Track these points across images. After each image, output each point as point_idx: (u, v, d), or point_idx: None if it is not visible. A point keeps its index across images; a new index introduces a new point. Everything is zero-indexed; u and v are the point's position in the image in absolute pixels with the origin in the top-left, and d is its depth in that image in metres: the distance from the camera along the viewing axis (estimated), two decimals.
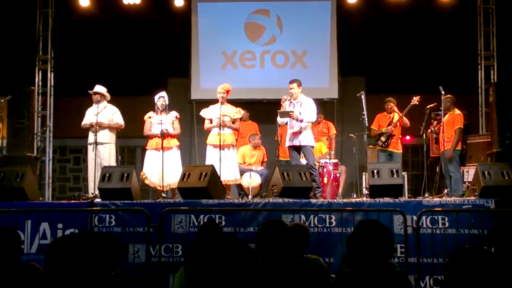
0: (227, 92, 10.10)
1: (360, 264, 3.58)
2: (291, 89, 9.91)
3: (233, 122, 10.08)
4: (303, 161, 10.01)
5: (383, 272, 3.54)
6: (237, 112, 10.15)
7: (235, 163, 10.17)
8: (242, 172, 10.50)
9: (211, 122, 10.08)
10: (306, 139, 9.81)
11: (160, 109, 10.06)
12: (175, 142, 10.10)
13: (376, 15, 13.21)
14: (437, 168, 10.66)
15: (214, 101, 10.18)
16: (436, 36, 13.28)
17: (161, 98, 10.12)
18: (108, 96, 10.39)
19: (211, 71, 13.36)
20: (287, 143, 9.95)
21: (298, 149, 9.88)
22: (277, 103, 12.74)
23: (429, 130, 10.79)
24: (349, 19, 13.27)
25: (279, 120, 9.98)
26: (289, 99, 9.90)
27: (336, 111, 12.96)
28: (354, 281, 3.51)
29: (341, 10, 13.29)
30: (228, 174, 9.89)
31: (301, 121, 9.73)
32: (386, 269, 3.60)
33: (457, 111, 10.57)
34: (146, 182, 10.02)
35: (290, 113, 9.70)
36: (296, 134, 9.76)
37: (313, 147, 10.03)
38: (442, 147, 10.34)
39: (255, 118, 12.31)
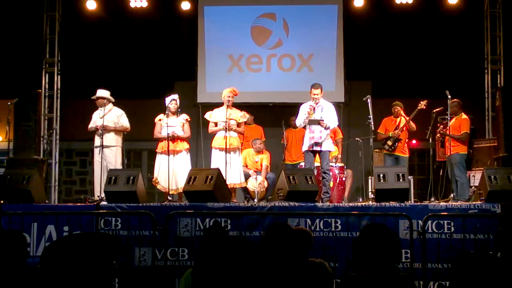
0: (236, 94, 10.10)
1: (366, 268, 3.57)
2: (315, 94, 9.73)
3: (238, 126, 10.08)
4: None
5: (389, 277, 3.52)
6: (243, 116, 10.14)
7: (241, 166, 10.17)
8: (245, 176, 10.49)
9: (216, 125, 10.07)
10: (327, 145, 9.73)
11: (173, 111, 10.06)
12: (184, 145, 10.08)
13: (382, 19, 13.22)
14: (440, 171, 10.63)
15: (221, 105, 10.17)
16: (443, 40, 13.26)
17: (174, 101, 10.09)
18: (111, 98, 10.38)
19: (217, 74, 13.37)
20: (305, 147, 9.84)
21: (314, 152, 9.84)
22: (283, 107, 12.80)
23: (437, 135, 10.76)
24: (355, 23, 13.27)
25: (298, 123, 9.88)
26: (313, 106, 9.75)
27: (342, 115, 12.93)
28: (360, 285, 3.49)
29: (348, 13, 13.28)
30: (234, 178, 9.88)
31: (328, 128, 9.69)
32: (392, 274, 3.58)
33: (464, 116, 10.54)
34: (158, 187, 10.00)
35: (320, 122, 9.60)
36: (317, 139, 9.66)
37: (330, 152, 9.99)
38: (448, 151, 10.32)
39: (261, 122, 12.29)
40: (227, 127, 9.84)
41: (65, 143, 13.42)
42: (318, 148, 9.68)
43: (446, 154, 10.58)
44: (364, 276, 3.53)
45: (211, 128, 10.17)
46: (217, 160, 9.90)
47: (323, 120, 9.60)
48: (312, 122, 9.67)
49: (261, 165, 11.28)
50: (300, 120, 9.84)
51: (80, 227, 7.81)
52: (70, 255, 2.50)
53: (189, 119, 10.24)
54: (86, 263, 2.49)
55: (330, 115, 9.78)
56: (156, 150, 10.15)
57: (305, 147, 9.85)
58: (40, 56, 12.87)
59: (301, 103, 10.10)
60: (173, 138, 9.87)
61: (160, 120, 10.09)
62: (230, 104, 10.03)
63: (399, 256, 3.74)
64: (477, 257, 2.84)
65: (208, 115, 10.23)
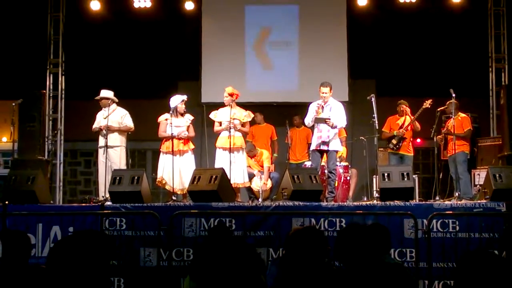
0: (231, 95, 10.05)
1: (354, 264, 3.57)
2: (324, 93, 9.64)
3: (243, 125, 10.06)
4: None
5: (375, 268, 3.47)
6: (247, 115, 10.13)
7: (245, 166, 10.16)
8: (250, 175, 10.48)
9: (221, 125, 10.07)
10: (334, 144, 9.68)
11: (182, 112, 10.05)
12: (190, 145, 10.09)
13: (386, 17, 13.21)
14: (441, 171, 10.62)
15: (225, 104, 10.18)
16: (447, 39, 13.24)
17: (183, 101, 10.10)
18: (115, 99, 10.37)
19: (221, 74, 13.33)
20: (313, 146, 9.80)
21: (322, 152, 9.81)
22: (287, 106, 12.77)
23: (439, 136, 10.75)
24: (359, 22, 13.25)
25: (307, 121, 9.83)
26: (321, 104, 9.69)
27: (346, 114, 12.91)
28: (345, 278, 3.46)
29: (352, 12, 13.26)
30: (238, 177, 9.88)
31: (335, 127, 9.64)
32: (378, 266, 3.53)
33: (462, 115, 10.60)
34: (167, 187, 9.94)
35: (326, 120, 9.51)
36: (325, 138, 9.61)
37: (337, 151, 9.96)
38: (452, 150, 10.31)
39: (265, 121, 12.25)
40: (231, 126, 9.83)
41: (69, 144, 13.44)
42: (325, 148, 9.64)
43: (449, 153, 10.57)
44: (350, 270, 3.51)
45: (216, 127, 10.16)
46: (221, 159, 9.90)
47: (329, 119, 9.54)
48: (318, 120, 9.61)
49: (262, 167, 11.27)
50: (308, 119, 9.78)
51: (85, 228, 7.80)
52: (76, 255, 2.50)
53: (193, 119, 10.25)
54: (89, 262, 2.50)
55: (338, 115, 9.71)
56: (160, 150, 10.13)
57: (312, 146, 9.83)
58: (44, 56, 12.89)
59: (305, 102, 10.06)
60: (180, 138, 9.86)
61: (166, 119, 10.06)
62: (233, 103, 10.02)
63: (387, 248, 3.73)
64: (482, 256, 2.83)
65: (213, 115, 10.22)
